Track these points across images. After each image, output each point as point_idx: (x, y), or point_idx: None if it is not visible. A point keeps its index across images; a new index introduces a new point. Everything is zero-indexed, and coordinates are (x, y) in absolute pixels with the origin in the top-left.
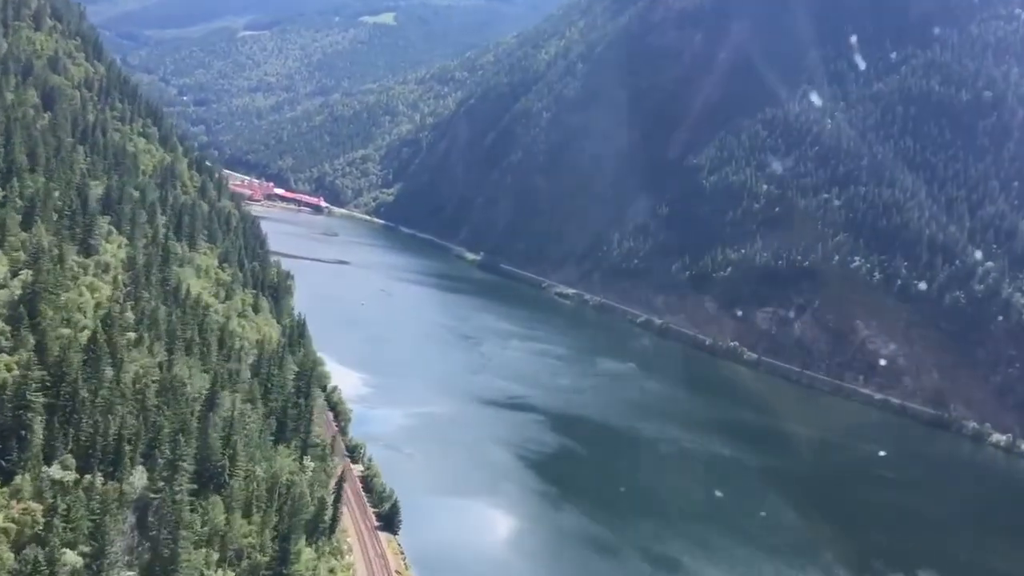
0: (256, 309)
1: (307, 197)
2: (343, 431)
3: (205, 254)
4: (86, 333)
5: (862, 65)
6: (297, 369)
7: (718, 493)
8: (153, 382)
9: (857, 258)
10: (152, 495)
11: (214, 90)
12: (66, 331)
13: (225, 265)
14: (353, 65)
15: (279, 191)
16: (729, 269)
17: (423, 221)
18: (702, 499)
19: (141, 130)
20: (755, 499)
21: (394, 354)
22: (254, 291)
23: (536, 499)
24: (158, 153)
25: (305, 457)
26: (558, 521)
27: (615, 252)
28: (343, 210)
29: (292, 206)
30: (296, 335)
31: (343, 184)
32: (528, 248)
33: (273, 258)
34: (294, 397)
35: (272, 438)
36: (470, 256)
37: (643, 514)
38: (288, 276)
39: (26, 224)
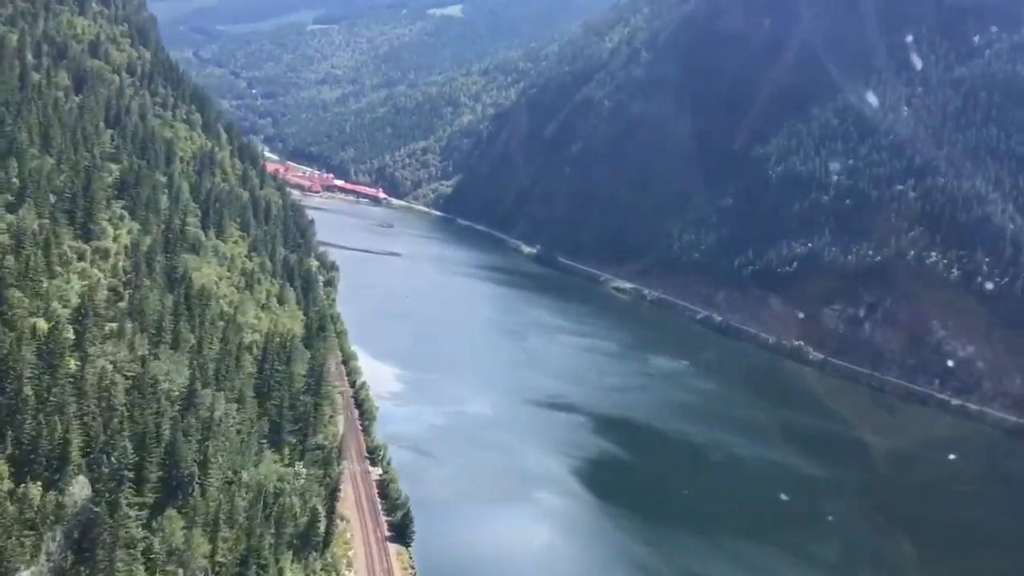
0: (281, 300)
1: (366, 188)
2: (367, 431)
3: (235, 243)
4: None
5: (941, 49)
6: (309, 365)
7: (783, 497)
8: (126, 378)
9: (933, 254)
10: (96, 508)
11: (282, 83)
12: (39, 322)
13: (253, 254)
14: (420, 57)
15: (339, 182)
16: (795, 264)
17: (481, 213)
18: (760, 514)
19: (185, 117)
20: (818, 515)
21: (435, 349)
22: (282, 281)
23: (572, 509)
24: (200, 140)
25: (299, 462)
26: (594, 536)
27: (675, 246)
28: (402, 202)
29: (351, 197)
30: (317, 328)
31: (402, 176)
32: (586, 241)
33: (322, 248)
34: (301, 395)
35: (264, 441)
36: (526, 249)
37: (689, 530)
38: (329, 267)
39: (17, 206)
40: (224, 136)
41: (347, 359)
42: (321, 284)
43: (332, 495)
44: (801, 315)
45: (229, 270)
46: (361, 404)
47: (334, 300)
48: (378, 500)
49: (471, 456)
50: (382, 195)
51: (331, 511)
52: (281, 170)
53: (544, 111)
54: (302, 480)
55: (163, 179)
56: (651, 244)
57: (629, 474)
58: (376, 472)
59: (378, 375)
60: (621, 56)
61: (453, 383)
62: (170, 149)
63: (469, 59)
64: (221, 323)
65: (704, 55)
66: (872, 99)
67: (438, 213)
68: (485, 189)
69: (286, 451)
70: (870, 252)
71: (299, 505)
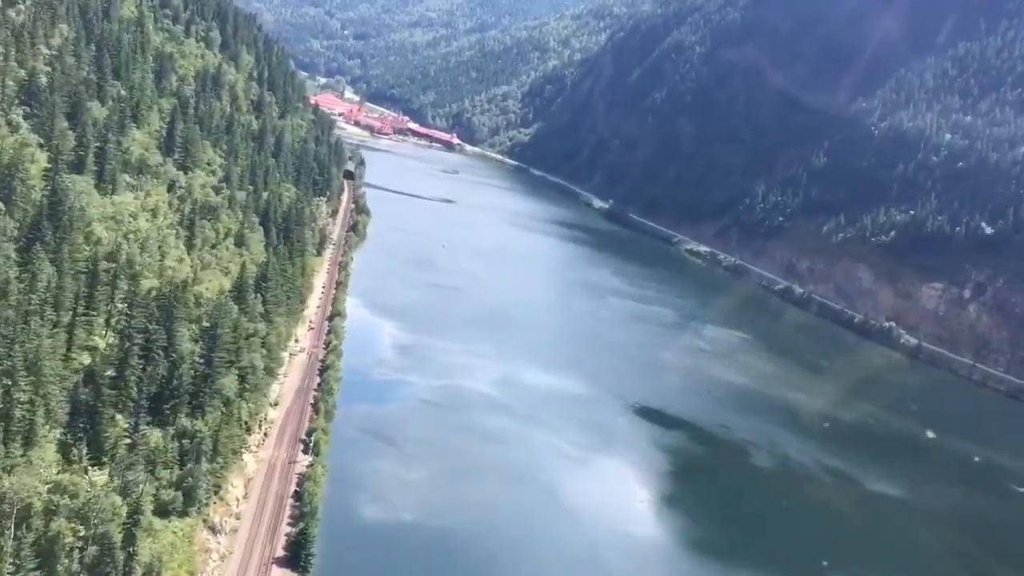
0: (240, 242)
1: (440, 133)
2: (319, 406)
3: (205, 171)
4: None
5: None
6: (211, 325)
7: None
8: None
9: None
10: None
11: (375, 24)
12: None
13: (223, 185)
14: (516, 2)
15: (413, 126)
16: (893, 233)
17: (556, 164)
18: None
19: (203, 35)
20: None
21: (455, 307)
22: (251, 219)
23: (549, 534)
24: (211, 59)
25: (95, 468)
26: None
27: (758, 207)
28: (476, 148)
29: (423, 142)
30: (259, 279)
31: (480, 122)
32: (662, 198)
33: (366, 191)
34: (182, 364)
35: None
36: (597, 203)
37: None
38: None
39: None
40: (248, 59)
41: (335, 315)
42: (317, 227)
43: (135, 514)
44: (895, 291)
45: (166, 203)
46: (325, 371)
47: (345, 246)
48: (289, 504)
49: (455, 450)
50: (456, 140)
51: (129, 540)
52: (354, 110)
53: (630, 56)
54: (83, 496)
55: (124, 92)
56: (732, 204)
57: (676, 494)
58: (306, 463)
59: (369, 336)
60: None
61: (461, 350)
62: (163, 65)
63: (567, 4)
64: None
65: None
66: (999, 44)
67: (512, 162)
68: (563, 138)
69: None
70: (983, 224)
71: (82, 531)
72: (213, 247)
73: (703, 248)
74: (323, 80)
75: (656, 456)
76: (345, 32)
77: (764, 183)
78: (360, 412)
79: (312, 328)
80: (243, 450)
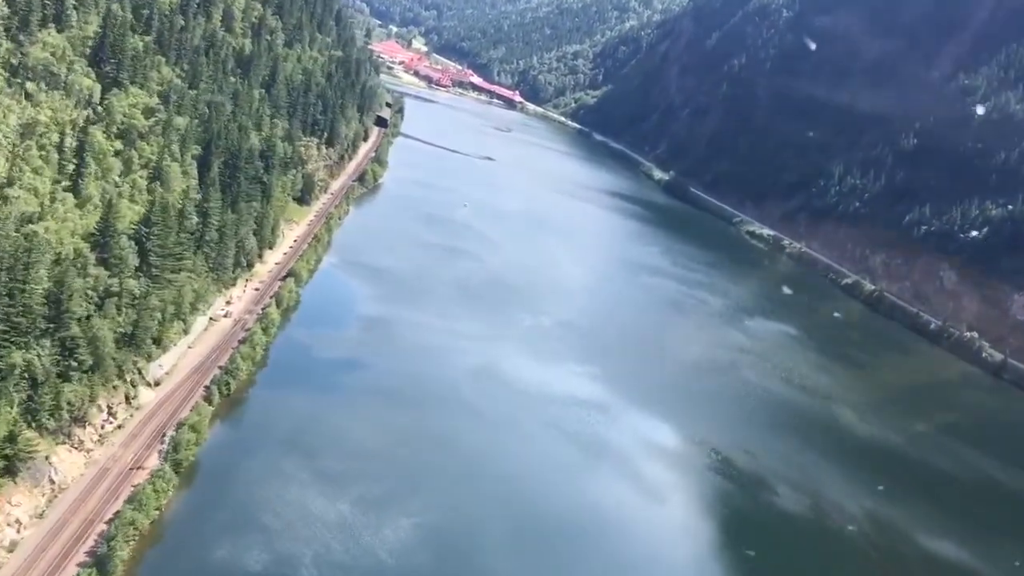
0: (158, 175)
1: (502, 89)
2: (210, 395)
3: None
4: None
5: None
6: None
7: None
8: None
9: None
10: None
11: None
12: None
13: (161, 107)
14: None
15: (475, 79)
16: (985, 230)
17: (620, 129)
18: None
19: None
20: None
21: (456, 274)
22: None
23: None
24: None
25: None
26: None
27: (832, 190)
28: (538, 108)
29: (484, 97)
30: (143, 222)
31: (546, 80)
32: (728, 173)
33: (397, 141)
34: None
35: None
36: (658, 174)
37: None
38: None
39: None
40: None
41: (290, 275)
42: (300, 172)
43: None
44: (982, 296)
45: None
46: (243, 344)
47: (345, 198)
48: (100, 530)
49: (397, 470)
50: (518, 98)
51: None
52: (414, 59)
53: (711, 19)
54: None
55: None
56: (804, 185)
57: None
58: (150, 469)
59: (334, 304)
60: None
61: (443, 329)
62: None
63: None
64: None
65: None
66: None
67: (575, 125)
68: (631, 103)
69: None
70: None
71: None
72: (101, 178)
73: (766, 231)
74: (395, 29)
75: (655, 493)
76: None
77: (842, 163)
78: (281, 403)
79: (257, 290)
80: (45, 451)
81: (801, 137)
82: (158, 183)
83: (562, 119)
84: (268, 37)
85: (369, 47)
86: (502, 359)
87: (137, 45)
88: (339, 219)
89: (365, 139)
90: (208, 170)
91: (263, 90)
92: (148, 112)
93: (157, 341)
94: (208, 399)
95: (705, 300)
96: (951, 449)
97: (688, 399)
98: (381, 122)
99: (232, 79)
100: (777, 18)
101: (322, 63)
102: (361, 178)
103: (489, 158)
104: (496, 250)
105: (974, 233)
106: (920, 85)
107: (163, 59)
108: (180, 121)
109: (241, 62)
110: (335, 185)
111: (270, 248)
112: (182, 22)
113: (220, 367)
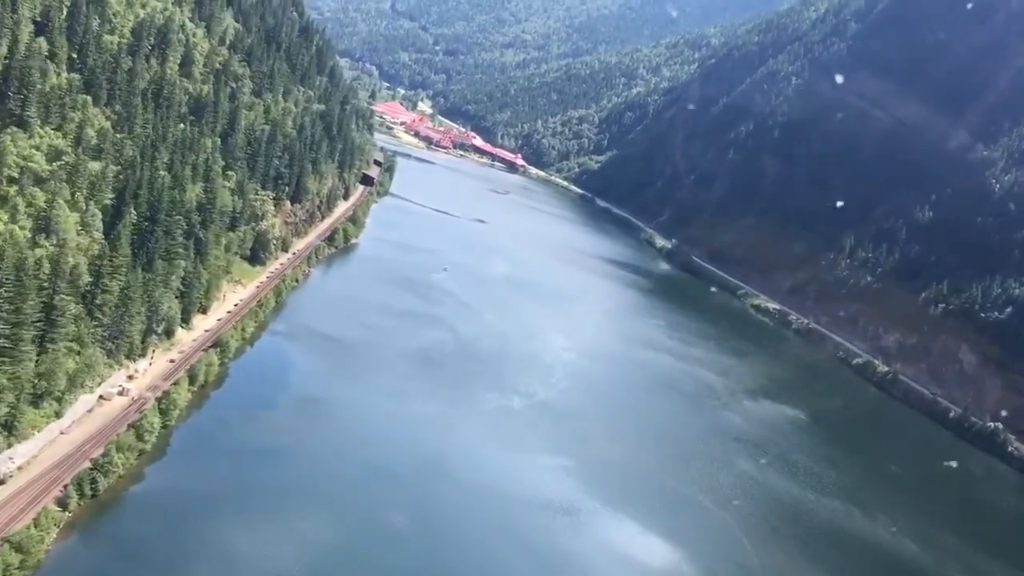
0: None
1: (504, 152)
2: (66, 500)
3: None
4: None
5: None
6: None
7: None
8: None
9: None
10: None
11: (467, 42)
12: None
13: (70, 151)
14: (616, 30)
15: (477, 142)
16: (1009, 310)
17: (624, 196)
18: None
19: None
20: None
21: (420, 344)
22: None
23: None
24: (168, 9)
25: None
26: None
27: (843, 264)
28: (540, 172)
29: (486, 160)
30: None
31: (549, 144)
32: (733, 243)
33: (382, 201)
34: None
35: None
36: (660, 242)
37: None
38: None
39: None
40: (231, 24)
41: (216, 344)
42: (249, 230)
43: None
44: (1008, 381)
45: None
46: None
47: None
48: None
49: None
50: (520, 161)
51: None
52: (416, 120)
53: (718, 85)
54: None
55: None
56: (813, 257)
57: None
58: None
59: (264, 378)
60: (824, 27)
61: (390, 412)
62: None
63: (665, 34)
64: None
65: (928, 30)
66: None
67: (578, 190)
68: (635, 169)
69: None
70: None
71: None
72: None
73: (772, 305)
74: (402, 91)
75: None
76: (436, 47)
77: (854, 236)
78: (166, 506)
79: (173, 362)
80: None
81: (810, 207)
82: (43, 235)
83: (564, 183)
84: (233, 84)
85: (371, 107)
86: (456, 450)
87: (60, 82)
88: (296, 281)
89: (346, 197)
90: (118, 217)
91: (218, 139)
92: (55, 155)
93: (8, 427)
94: (63, 502)
95: (703, 379)
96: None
97: (674, 501)
98: (367, 180)
99: (182, 126)
100: (786, 86)
101: (295, 115)
102: (331, 238)
103: (480, 220)
104: (472, 319)
105: (996, 314)
106: (935, 156)
107: (89, 99)
108: (95, 167)
109: (197, 109)
110: (299, 245)
111: (203, 313)
112: (129, 63)
113: (92, 460)
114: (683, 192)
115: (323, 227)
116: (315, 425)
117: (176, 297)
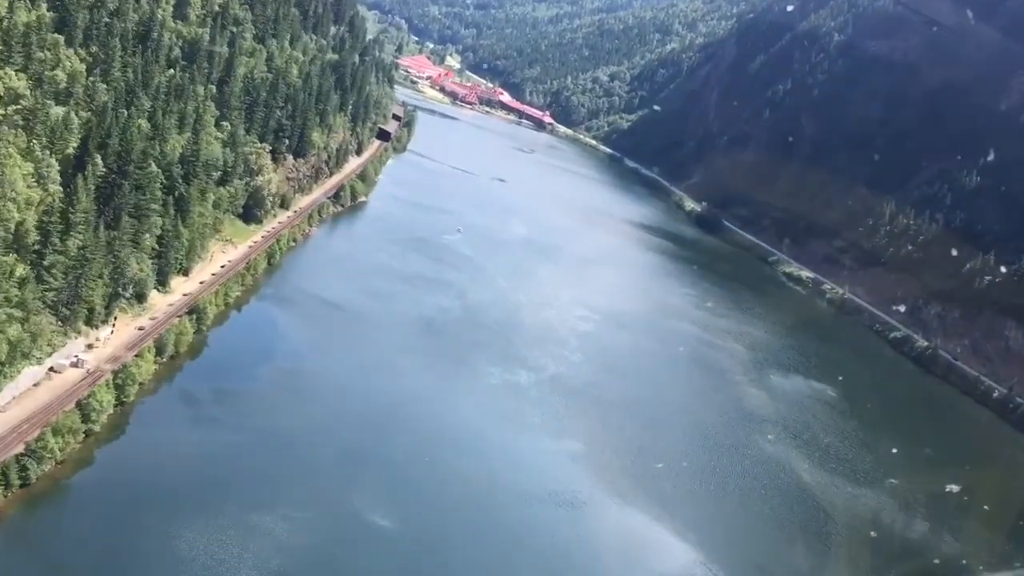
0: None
1: (532, 110)
2: None
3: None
4: None
5: None
6: None
7: None
8: None
9: None
10: None
11: None
12: None
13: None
14: None
15: (505, 98)
16: None
17: (654, 156)
18: None
19: None
20: None
21: (424, 310)
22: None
23: None
24: None
25: None
26: None
27: (882, 230)
28: (569, 131)
29: (512, 116)
30: None
31: (579, 102)
32: (767, 207)
33: (410, 157)
34: None
35: None
36: (689, 205)
37: None
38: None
39: None
40: None
41: (193, 311)
42: (241, 185)
43: None
44: None
45: None
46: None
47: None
48: None
49: None
50: (548, 119)
51: None
52: (442, 75)
53: (756, 41)
54: None
55: None
56: (850, 223)
57: None
58: None
59: (250, 353)
60: None
61: (380, 387)
62: None
63: None
64: None
65: None
66: None
67: (606, 149)
68: (667, 129)
69: None
70: None
71: None
72: None
73: (806, 273)
74: (431, 46)
75: None
76: (467, 0)
77: (895, 201)
78: (109, 501)
79: (142, 329)
80: None
81: (849, 170)
82: None
83: (593, 142)
84: (233, 29)
85: (396, 60)
86: (450, 432)
87: (28, 19)
88: (295, 241)
89: (359, 153)
90: (80, 175)
91: (212, 87)
92: (13, 98)
93: None
94: None
95: (730, 352)
96: None
97: (691, 491)
98: (384, 136)
99: (171, 72)
100: (827, 43)
101: (302, 64)
102: (337, 195)
103: (501, 180)
104: (484, 283)
105: None
106: (986, 117)
107: (61, 38)
108: (57, 112)
109: (191, 55)
110: (302, 202)
111: (185, 275)
112: (116, 3)
113: (26, 443)
114: (715, 153)
115: (330, 184)
116: (295, 402)
117: (151, 258)
